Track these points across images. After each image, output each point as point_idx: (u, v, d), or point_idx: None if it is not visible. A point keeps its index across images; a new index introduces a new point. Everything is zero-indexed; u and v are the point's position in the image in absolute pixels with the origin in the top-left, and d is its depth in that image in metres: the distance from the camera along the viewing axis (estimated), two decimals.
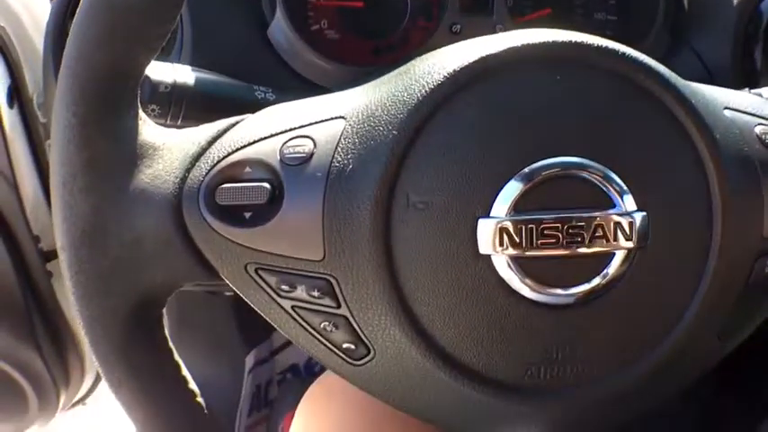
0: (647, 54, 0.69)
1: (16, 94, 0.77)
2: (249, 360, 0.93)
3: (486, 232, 0.37)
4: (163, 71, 0.52)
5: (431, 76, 0.38)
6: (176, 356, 0.45)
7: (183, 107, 0.52)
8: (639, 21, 0.69)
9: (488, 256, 0.37)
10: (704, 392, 0.81)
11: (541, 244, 0.37)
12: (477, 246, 0.37)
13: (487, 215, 0.37)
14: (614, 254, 0.38)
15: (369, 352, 0.40)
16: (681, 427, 0.82)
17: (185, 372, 0.45)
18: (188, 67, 0.54)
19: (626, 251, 0.38)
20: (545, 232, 0.37)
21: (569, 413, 0.41)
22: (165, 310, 0.45)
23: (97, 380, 0.87)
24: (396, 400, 0.42)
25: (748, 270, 0.42)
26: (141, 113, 0.42)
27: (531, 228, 0.37)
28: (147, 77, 0.51)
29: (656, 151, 0.40)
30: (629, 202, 0.38)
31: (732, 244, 0.40)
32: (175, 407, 0.44)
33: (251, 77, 0.57)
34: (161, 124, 0.44)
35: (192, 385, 0.45)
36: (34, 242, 0.76)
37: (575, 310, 0.39)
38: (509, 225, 0.37)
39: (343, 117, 0.40)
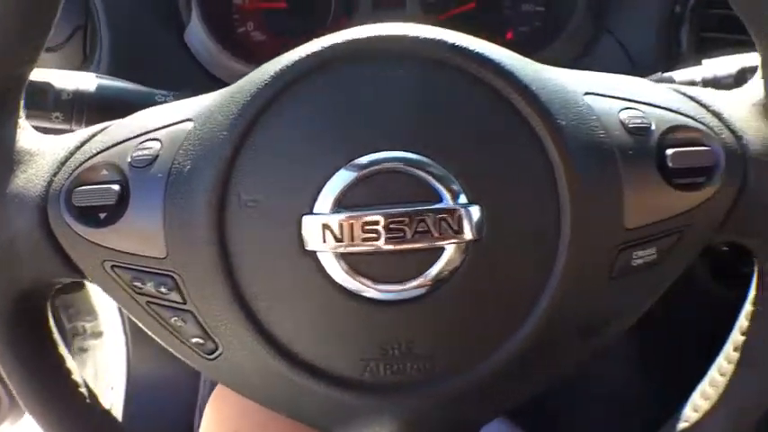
0: (568, 44, 0.69)
1: None
2: None
3: (310, 229, 0.37)
4: (66, 79, 0.54)
5: (261, 76, 0.39)
6: (62, 349, 0.47)
7: (84, 114, 0.54)
8: (562, 10, 0.69)
9: (315, 253, 0.38)
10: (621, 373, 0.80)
11: (363, 240, 0.37)
12: (303, 242, 0.38)
13: (311, 212, 0.38)
14: (444, 249, 0.38)
15: (217, 347, 0.41)
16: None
17: (71, 364, 0.47)
18: (92, 74, 0.56)
19: (456, 245, 0.37)
20: (366, 228, 0.37)
21: (417, 410, 0.40)
22: None
23: None
24: (251, 393, 0.43)
25: (609, 263, 0.40)
26: (21, 122, 0.44)
27: (352, 224, 0.37)
28: (51, 85, 0.53)
29: (493, 142, 0.38)
30: (458, 196, 0.37)
31: (585, 236, 0.38)
32: (59, 396, 0.47)
33: (168, 81, 0.59)
34: (66, 131, 0.46)
35: (77, 376, 0.47)
36: None
37: (407, 307, 0.38)
38: (331, 221, 0.37)
39: (190, 119, 0.41)
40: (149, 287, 0.41)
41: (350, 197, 0.37)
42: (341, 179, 0.38)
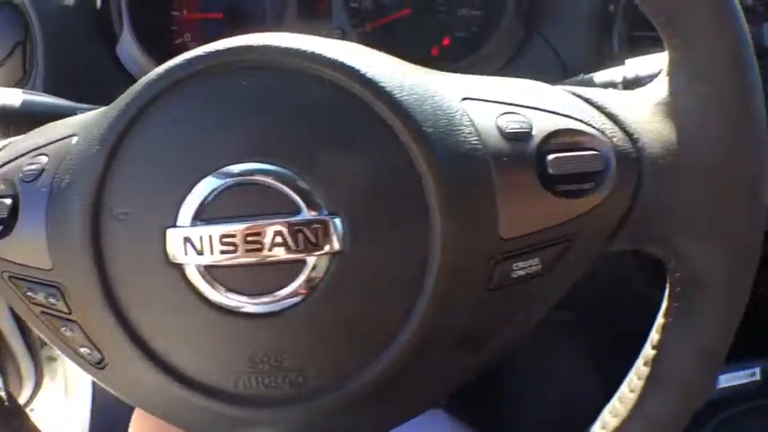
0: (499, 47, 0.69)
1: None
2: None
3: (173, 242, 0.38)
4: None
5: (134, 88, 0.40)
6: None
7: (11, 129, 0.56)
8: (494, 13, 0.68)
9: (180, 266, 0.38)
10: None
11: (222, 252, 0.37)
12: (168, 256, 0.38)
13: (174, 225, 0.38)
14: (306, 261, 0.37)
15: (103, 357, 0.42)
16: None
17: None
18: (18, 91, 0.58)
19: (318, 258, 0.37)
20: (224, 240, 0.37)
21: (293, 424, 0.40)
22: None
23: (37, 387, 0.92)
24: (140, 403, 0.44)
25: (486, 274, 0.38)
26: None
27: (211, 236, 0.37)
28: None
29: (357, 152, 0.37)
30: (317, 207, 0.37)
31: (457, 247, 0.37)
32: None
33: (101, 95, 0.60)
34: None
35: None
36: None
37: (272, 320, 0.38)
38: (192, 234, 0.37)
39: (76, 134, 0.42)
40: (41, 297, 0.41)
41: (210, 210, 0.37)
42: (201, 192, 0.38)
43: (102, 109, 0.42)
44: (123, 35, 0.65)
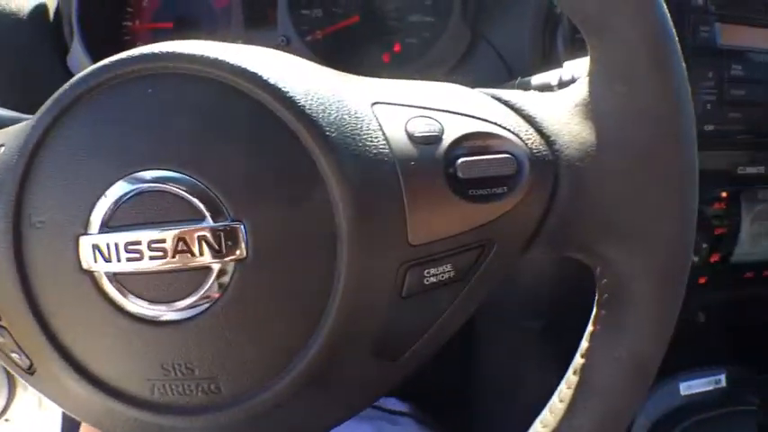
0: (445, 52, 0.69)
1: None
2: None
3: (84, 249, 0.38)
4: None
5: (51, 99, 0.40)
6: None
7: None
8: (443, 18, 0.68)
9: (92, 273, 0.38)
10: None
11: (128, 260, 0.37)
12: (80, 263, 0.38)
13: (86, 232, 0.38)
14: (211, 268, 0.37)
15: (31, 363, 0.42)
16: None
17: None
18: None
19: (223, 265, 0.37)
20: (129, 248, 0.37)
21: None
22: None
23: (11, 397, 0.93)
24: (69, 409, 0.44)
25: (398, 281, 0.38)
26: None
27: (117, 243, 0.37)
28: None
29: (261, 159, 0.37)
30: (221, 214, 0.37)
31: (365, 253, 0.36)
32: None
33: None
34: None
35: None
36: None
37: (181, 327, 0.38)
38: (100, 241, 0.38)
39: (3, 144, 0.42)
40: None
41: (118, 217, 0.38)
42: (109, 200, 0.38)
43: (29, 119, 0.42)
44: (74, 46, 0.66)
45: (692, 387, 0.77)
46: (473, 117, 0.40)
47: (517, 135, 0.39)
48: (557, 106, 0.42)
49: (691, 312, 0.79)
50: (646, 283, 0.41)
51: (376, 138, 0.37)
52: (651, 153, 0.40)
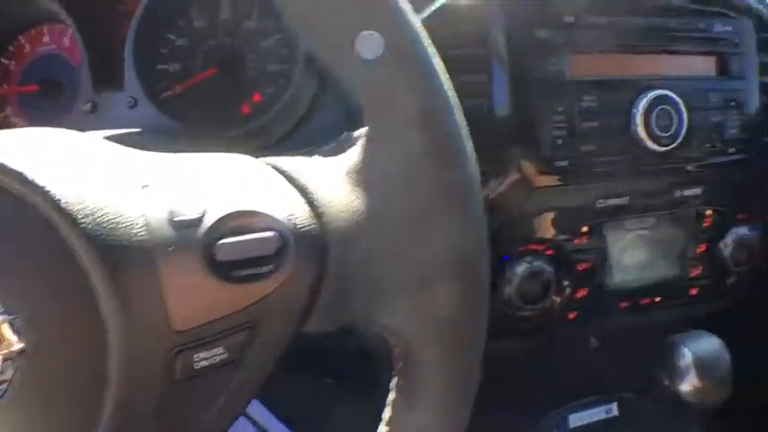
0: (292, 103, 0.68)
1: None
2: None
3: None
4: None
5: None
6: None
7: None
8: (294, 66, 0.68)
9: None
10: None
11: None
12: None
13: None
14: None
15: None
16: None
17: None
18: None
19: (3, 357, 0.36)
20: None
21: None
22: None
23: None
24: None
25: (169, 367, 0.37)
26: None
27: None
28: None
29: (27, 252, 0.37)
30: None
31: (132, 344, 0.36)
32: None
33: None
34: None
35: None
36: None
37: None
38: None
39: None
40: None
41: None
42: None
43: None
44: None
45: (582, 418, 0.76)
46: (242, 194, 0.39)
47: (284, 210, 0.39)
48: (330, 174, 0.42)
49: (582, 341, 0.78)
50: (430, 350, 0.41)
51: (136, 224, 0.37)
52: (420, 218, 0.40)
